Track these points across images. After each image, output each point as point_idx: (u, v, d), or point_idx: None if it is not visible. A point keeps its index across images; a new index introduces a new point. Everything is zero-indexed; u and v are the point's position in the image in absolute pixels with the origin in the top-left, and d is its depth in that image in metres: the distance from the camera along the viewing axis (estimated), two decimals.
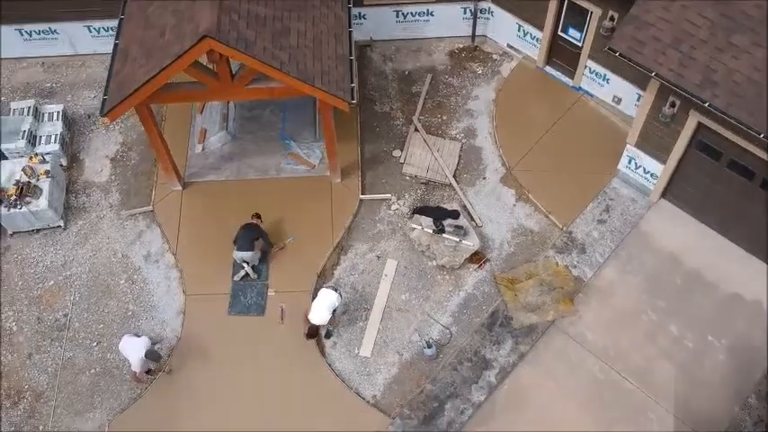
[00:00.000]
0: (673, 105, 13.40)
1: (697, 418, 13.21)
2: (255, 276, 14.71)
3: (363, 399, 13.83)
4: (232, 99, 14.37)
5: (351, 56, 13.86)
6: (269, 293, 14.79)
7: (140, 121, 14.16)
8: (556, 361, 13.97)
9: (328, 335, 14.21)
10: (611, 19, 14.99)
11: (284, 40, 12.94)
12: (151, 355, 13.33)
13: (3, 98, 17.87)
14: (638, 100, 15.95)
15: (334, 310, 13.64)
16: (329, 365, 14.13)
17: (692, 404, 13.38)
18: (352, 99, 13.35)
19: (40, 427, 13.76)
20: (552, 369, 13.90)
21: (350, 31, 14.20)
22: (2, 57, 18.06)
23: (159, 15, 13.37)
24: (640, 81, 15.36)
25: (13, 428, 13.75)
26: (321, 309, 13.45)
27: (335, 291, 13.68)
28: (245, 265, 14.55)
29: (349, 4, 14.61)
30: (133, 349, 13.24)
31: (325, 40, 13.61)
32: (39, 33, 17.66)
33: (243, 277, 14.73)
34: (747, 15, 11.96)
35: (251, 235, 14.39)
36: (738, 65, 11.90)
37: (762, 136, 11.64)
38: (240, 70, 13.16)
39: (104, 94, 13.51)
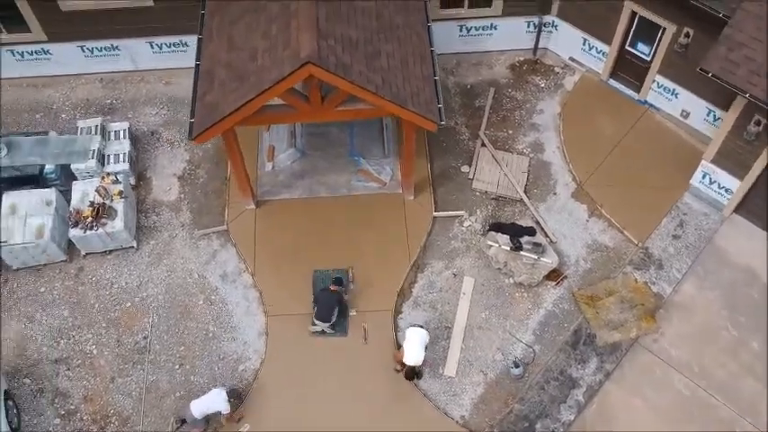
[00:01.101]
0: (758, 124, 13.46)
1: None
2: (332, 332, 14.50)
3: (452, 419, 13.85)
4: (320, 120, 14.28)
5: (435, 76, 13.83)
6: (350, 313, 14.76)
7: (225, 144, 14.09)
8: (642, 378, 14.06)
9: (419, 375, 14.06)
10: (687, 36, 15.03)
11: (376, 62, 12.90)
12: (233, 393, 13.31)
13: (64, 115, 17.72)
14: (707, 114, 16.08)
15: (426, 347, 13.53)
16: (415, 385, 14.14)
17: None
18: (441, 120, 13.33)
19: None
20: (639, 386, 13.99)
21: (432, 51, 14.16)
22: (62, 73, 17.90)
23: (246, 38, 13.27)
24: (713, 97, 15.49)
25: None
26: (416, 349, 13.28)
27: (422, 327, 13.61)
28: (322, 325, 14.37)
29: (428, 23, 14.55)
30: (213, 402, 13.10)
31: (412, 61, 13.58)
32: (100, 50, 17.50)
33: (319, 333, 14.53)
34: None
35: (330, 303, 14.10)
36: None
37: None
38: (331, 93, 13.09)
39: (191, 117, 13.41)
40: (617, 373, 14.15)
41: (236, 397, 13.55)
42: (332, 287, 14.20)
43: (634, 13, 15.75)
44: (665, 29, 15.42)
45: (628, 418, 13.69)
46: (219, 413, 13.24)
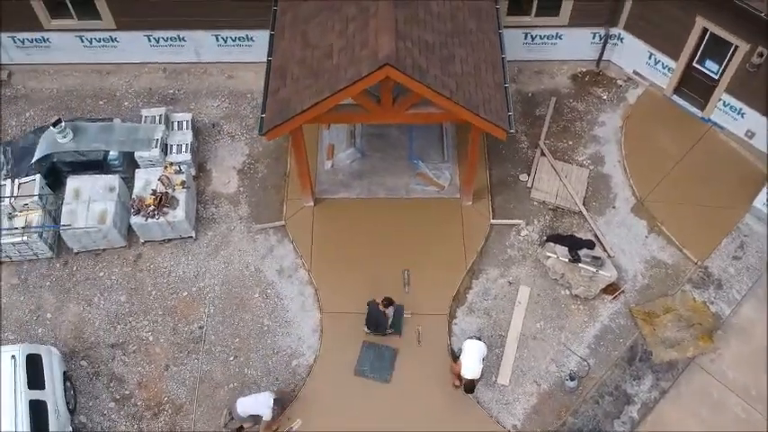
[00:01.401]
0: None
1: None
2: (388, 332, 14.48)
3: (504, 428, 13.80)
4: (390, 122, 14.30)
5: (506, 83, 13.79)
6: (405, 315, 14.77)
7: (292, 141, 14.19)
8: (698, 399, 13.92)
9: (472, 388, 13.96)
10: (760, 55, 14.85)
11: (451, 67, 12.90)
12: (279, 401, 13.33)
13: (126, 102, 17.94)
14: None
15: (484, 359, 13.46)
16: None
17: None
18: (511, 128, 13.29)
19: None
20: (694, 407, 13.85)
21: (503, 58, 14.12)
22: (126, 62, 18.12)
23: (321, 35, 13.34)
24: None
25: None
26: (474, 362, 13.15)
27: (479, 339, 13.55)
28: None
29: (500, 29, 14.53)
30: (258, 405, 13.09)
31: (484, 67, 13.56)
32: (166, 40, 17.68)
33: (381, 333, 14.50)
34: None
35: (376, 317, 14.05)
36: None
37: None
38: (402, 96, 13.11)
39: (262, 112, 13.49)
40: (672, 391, 14.02)
41: (281, 405, 13.50)
42: (381, 306, 14.03)
43: (705, 30, 15.60)
44: (737, 47, 15.24)
45: None
46: (260, 417, 13.21)
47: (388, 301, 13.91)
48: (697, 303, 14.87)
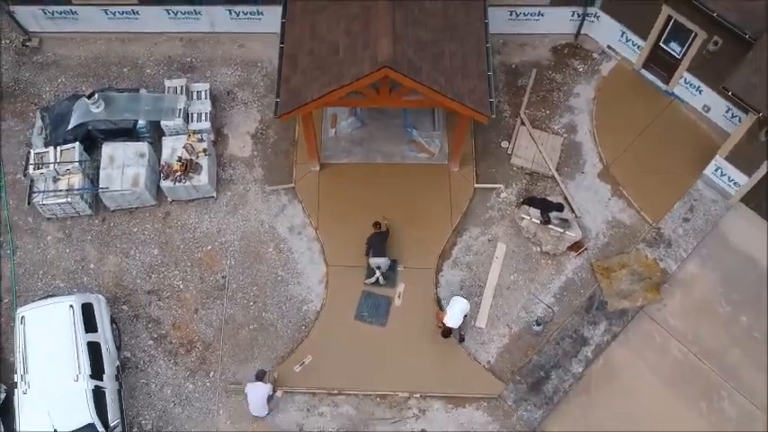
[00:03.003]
0: None
1: (761, 399, 15.93)
2: (384, 283, 16.89)
3: (480, 363, 16.53)
4: (385, 106, 16.31)
5: (489, 71, 15.75)
6: (399, 269, 17.23)
7: (302, 119, 16.23)
8: (643, 342, 16.60)
9: (462, 339, 16.61)
10: (716, 44, 16.76)
11: (441, 63, 14.86)
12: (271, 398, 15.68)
13: (148, 70, 19.77)
14: (726, 111, 17.95)
15: (465, 315, 16.03)
16: (452, 335, 16.72)
17: (758, 386, 16.08)
18: (493, 114, 15.37)
19: (211, 373, 16.51)
20: (640, 349, 16.55)
21: (487, 47, 16.02)
22: (147, 31, 19.82)
23: (329, 30, 15.20)
24: (734, 101, 17.30)
25: (188, 372, 16.51)
26: (456, 315, 15.79)
27: (466, 298, 16.04)
28: (377, 270, 16.67)
29: (485, 19, 16.35)
30: (257, 394, 15.40)
31: (470, 59, 15.49)
32: (184, 13, 19.34)
33: (373, 283, 16.92)
34: None
35: (382, 240, 16.47)
36: None
37: None
38: (398, 86, 15.08)
39: (276, 96, 15.48)
40: (622, 336, 16.67)
41: (261, 377, 15.63)
42: (376, 228, 16.61)
43: (670, 17, 17.42)
44: (696, 34, 17.12)
45: (629, 374, 16.31)
46: (270, 396, 15.62)
47: (377, 224, 16.56)
48: (649, 260, 17.35)
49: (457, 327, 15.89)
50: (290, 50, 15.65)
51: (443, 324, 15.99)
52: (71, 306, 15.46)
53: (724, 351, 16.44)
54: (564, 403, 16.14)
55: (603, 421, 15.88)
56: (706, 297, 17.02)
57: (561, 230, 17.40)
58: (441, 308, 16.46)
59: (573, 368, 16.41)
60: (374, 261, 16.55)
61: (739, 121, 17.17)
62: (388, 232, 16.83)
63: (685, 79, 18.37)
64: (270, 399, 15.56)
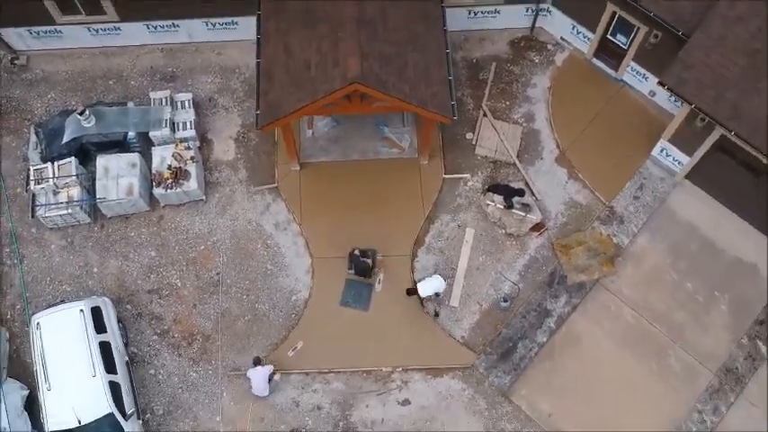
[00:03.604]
0: (703, 120, 17.13)
1: (703, 355, 17.94)
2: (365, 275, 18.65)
3: (454, 338, 18.36)
4: (357, 113, 17.80)
5: (450, 76, 17.26)
6: (378, 257, 18.92)
7: (282, 128, 17.68)
8: (600, 311, 18.49)
9: (437, 314, 18.40)
10: (656, 36, 18.35)
11: (405, 73, 16.36)
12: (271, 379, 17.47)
13: (133, 82, 21.03)
14: (670, 95, 19.55)
15: (438, 294, 17.79)
16: (427, 313, 18.54)
17: (700, 344, 18.07)
18: (454, 116, 16.93)
19: (212, 362, 18.23)
20: (597, 317, 18.44)
21: (447, 53, 17.50)
22: (128, 44, 21.02)
23: (301, 48, 16.59)
24: None
25: (191, 362, 18.21)
26: (428, 287, 17.64)
27: (444, 280, 17.79)
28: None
29: (444, 26, 17.80)
30: (259, 376, 17.21)
31: (432, 66, 16.98)
32: (163, 27, 20.56)
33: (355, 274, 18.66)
34: None
35: (362, 268, 18.22)
36: (762, 104, 15.61)
37: None
38: (368, 96, 16.55)
39: (256, 109, 16.92)
40: (581, 307, 18.54)
41: (258, 362, 17.48)
42: (362, 258, 18.25)
43: (614, 13, 18.95)
44: (639, 28, 18.69)
45: (588, 340, 18.22)
46: (270, 376, 17.40)
47: (363, 253, 18.06)
48: (603, 236, 19.16)
49: (424, 296, 17.71)
50: (267, 66, 17.04)
51: (413, 289, 17.80)
52: (81, 310, 17.03)
53: (671, 314, 18.39)
54: (530, 369, 18.05)
55: (566, 383, 17.82)
56: (655, 267, 18.89)
57: (523, 214, 19.13)
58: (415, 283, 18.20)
59: (538, 338, 18.29)
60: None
61: (681, 104, 18.84)
62: (368, 266, 18.33)
63: (632, 67, 19.98)
64: (270, 379, 17.28)
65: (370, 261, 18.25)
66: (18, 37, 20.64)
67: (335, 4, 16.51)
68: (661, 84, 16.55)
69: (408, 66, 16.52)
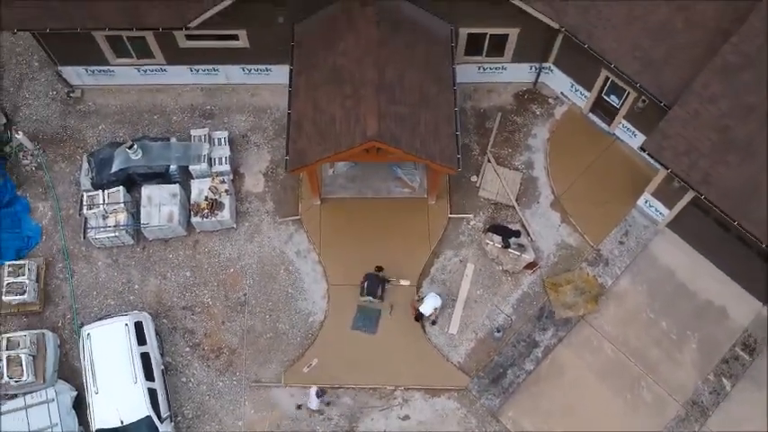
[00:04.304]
0: (679, 182, 19.31)
1: (673, 387, 20.14)
2: (376, 301, 20.84)
3: (452, 363, 20.67)
4: (373, 161, 20.11)
5: (457, 131, 19.57)
6: (393, 283, 21.11)
7: (307, 171, 20.04)
8: (583, 345, 20.71)
9: (434, 323, 20.76)
10: (643, 101, 20.58)
11: (417, 130, 18.69)
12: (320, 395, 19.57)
13: (175, 117, 23.50)
14: None
15: (436, 308, 20.14)
16: (428, 340, 20.85)
17: (671, 377, 20.25)
18: (459, 167, 19.25)
19: (237, 373, 20.64)
20: (580, 350, 20.66)
21: (456, 111, 19.82)
22: (172, 83, 23.50)
23: (327, 102, 18.95)
24: None
25: (218, 373, 20.62)
26: (428, 305, 19.97)
27: (439, 296, 20.12)
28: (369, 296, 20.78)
29: (455, 86, 20.12)
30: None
31: (442, 123, 19.30)
32: (204, 70, 23.02)
33: (367, 301, 20.86)
34: (742, 140, 17.73)
35: (377, 283, 20.46)
36: (729, 174, 17.81)
37: (736, 223, 17.79)
38: (383, 149, 18.88)
39: (286, 155, 19.30)
40: (566, 339, 20.77)
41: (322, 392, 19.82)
42: (377, 272, 20.62)
43: (608, 77, 21.20)
44: (629, 93, 20.93)
45: (571, 370, 20.45)
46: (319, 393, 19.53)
47: (379, 268, 20.50)
48: (589, 277, 21.39)
49: (427, 315, 20.10)
50: (297, 118, 19.43)
51: (417, 310, 20.14)
52: (126, 324, 19.47)
53: (646, 350, 20.58)
54: (518, 393, 20.30)
55: (549, 408, 20.07)
56: (634, 307, 21.10)
57: (518, 254, 21.39)
58: (419, 297, 20.53)
59: (526, 366, 20.55)
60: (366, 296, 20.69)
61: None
62: (383, 279, 20.65)
63: (623, 124, 22.21)
64: (319, 395, 19.44)
65: (383, 275, 20.68)
66: (75, 74, 23.16)
67: (360, 66, 18.86)
68: (642, 149, 18.77)
69: (420, 124, 18.85)
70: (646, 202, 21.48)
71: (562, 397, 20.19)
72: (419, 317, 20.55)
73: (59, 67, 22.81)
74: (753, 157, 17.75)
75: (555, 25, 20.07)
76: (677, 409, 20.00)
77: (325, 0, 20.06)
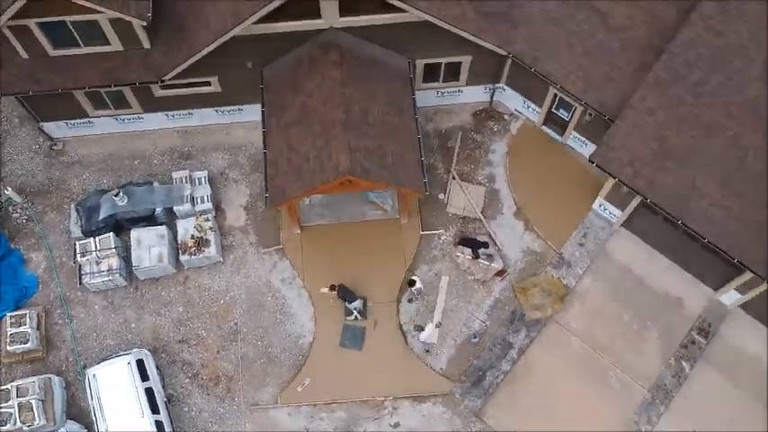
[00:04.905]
0: (626, 189, 21.13)
1: (638, 374, 21.98)
2: (362, 318, 22.43)
3: (434, 370, 22.29)
4: (346, 191, 21.64)
5: (422, 158, 21.19)
6: (369, 304, 22.79)
7: (287, 208, 21.50)
8: (553, 342, 22.46)
9: (421, 329, 22.31)
10: (590, 115, 22.39)
11: (385, 160, 20.26)
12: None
13: (155, 161, 24.80)
14: None
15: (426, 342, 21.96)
16: (411, 350, 22.45)
17: (636, 365, 22.09)
18: (426, 191, 20.87)
19: (235, 398, 22.05)
20: (550, 348, 22.41)
21: (419, 138, 21.44)
22: (148, 129, 24.81)
23: (301, 142, 20.44)
24: None
25: (218, 400, 22.01)
26: (422, 338, 21.76)
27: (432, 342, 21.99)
28: (354, 311, 22.17)
29: (416, 115, 21.74)
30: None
31: (407, 151, 20.91)
32: (179, 115, 24.37)
33: (353, 319, 22.41)
34: (678, 147, 19.60)
35: (347, 290, 22.01)
36: (669, 178, 19.66)
37: (680, 222, 19.67)
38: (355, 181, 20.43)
39: (265, 191, 20.76)
40: (537, 339, 22.50)
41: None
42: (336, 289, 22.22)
43: (556, 94, 22.98)
44: (576, 107, 22.73)
45: (544, 367, 22.18)
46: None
47: (332, 287, 21.96)
48: (554, 279, 23.14)
49: (422, 340, 21.93)
50: (273, 157, 20.90)
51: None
52: (129, 363, 20.79)
53: (611, 342, 22.40)
54: (497, 393, 21.98)
55: (527, 403, 21.79)
56: (598, 303, 22.90)
57: (488, 263, 23.08)
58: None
59: (503, 367, 22.24)
60: (352, 304, 22.11)
61: None
62: (342, 286, 22.18)
63: (574, 135, 24.01)
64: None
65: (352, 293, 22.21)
66: (56, 127, 24.38)
67: (326, 106, 20.38)
68: (590, 161, 20.55)
69: (388, 154, 20.43)
70: (600, 205, 23.29)
71: (538, 392, 21.91)
72: (412, 283, 22.25)
73: (41, 123, 23.97)
74: (688, 161, 19.60)
75: (503, 52, 21.77)
76: (644, 394, 21.83)
77: (291, 44, 21.51)
